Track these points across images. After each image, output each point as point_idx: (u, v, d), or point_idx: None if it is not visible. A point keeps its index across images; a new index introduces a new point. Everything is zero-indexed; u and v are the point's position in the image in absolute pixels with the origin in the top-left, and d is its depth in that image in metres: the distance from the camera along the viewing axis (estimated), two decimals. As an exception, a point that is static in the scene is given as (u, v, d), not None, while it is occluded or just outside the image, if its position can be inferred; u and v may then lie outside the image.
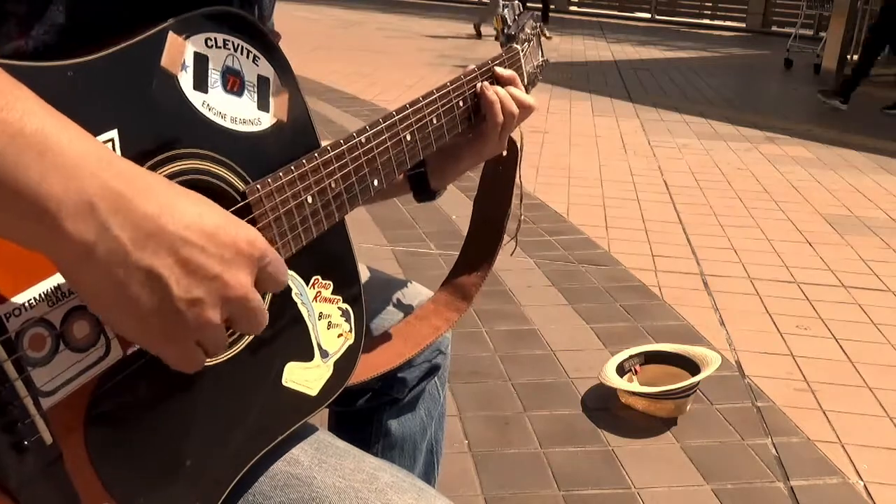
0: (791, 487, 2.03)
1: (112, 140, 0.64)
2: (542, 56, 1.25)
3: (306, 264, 0.81)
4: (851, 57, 9.90)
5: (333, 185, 0.80)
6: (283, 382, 0.80)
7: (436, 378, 1.27)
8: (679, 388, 2.29)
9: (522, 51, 1.14)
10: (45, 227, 0.53)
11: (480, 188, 1.15)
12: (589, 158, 5.27)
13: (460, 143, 1.06)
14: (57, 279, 0.61)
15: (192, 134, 0.70)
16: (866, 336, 2.91)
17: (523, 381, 2.47)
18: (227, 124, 0.73)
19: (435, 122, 0.95)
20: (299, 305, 0.81)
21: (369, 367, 0.97)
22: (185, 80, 0.69)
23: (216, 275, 0.59)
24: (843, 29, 9.51)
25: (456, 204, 3.83)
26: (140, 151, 0.65)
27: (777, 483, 2.04)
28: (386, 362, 1.01)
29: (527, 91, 1.21)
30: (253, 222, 0.72)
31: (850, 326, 2.97)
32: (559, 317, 2.93)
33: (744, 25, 16.98)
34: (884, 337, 2.91)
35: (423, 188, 1.11)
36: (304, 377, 0.82)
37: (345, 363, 0.86)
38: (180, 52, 0.69)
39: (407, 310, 1.16)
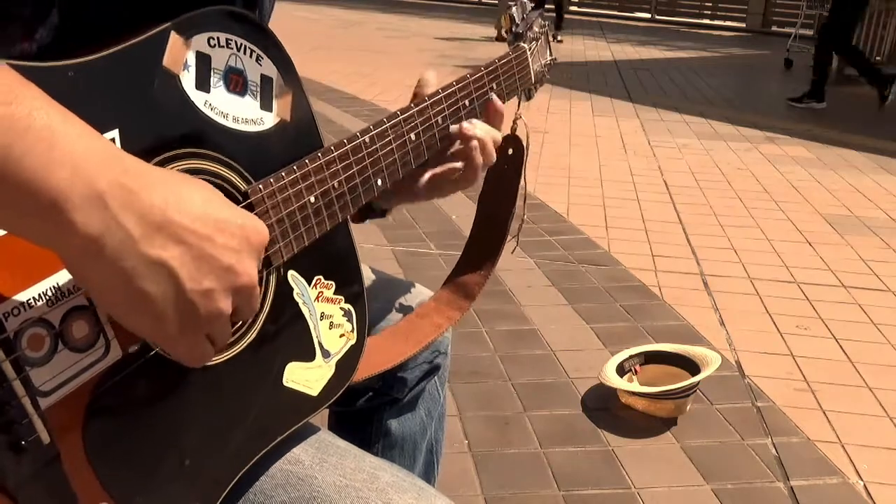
0: (791, 487, 2.03)
1: (113, 139, 0.64)
2: (550, 55, 1.25)
3: (309, 264, 0.81)
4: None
5: (337, 186, 0.80)
6: (284, 382, 0.80)
7: (436, 378, 1.27)
8: (679, 388, 2.29)
9: (530, 49, 1.14)
10: (53, 221, 0.53)
11: (485, 187, 1.15)
12: (589, 158, 5.27)
13: (423, 171, 0.99)
14: (56, 279, 0.61)
15: (193, 134, 0.70)
16: (866, 336, 2.91)
17: (523, 381, 2.47)
18: (230, 124, 0.73)
19: (440, 122, 0.94)
20: (301, 305, 0.81)
21: (371, 365, 0.97)
22: (188, 80, 0.69)
23: (228, 265, 0.59)
24: (843, 29, 9.49)
25: (456, 204, 3.83)
26: (141, 151, 0.65)
27: (777, 483, 2.05)
28: (388, 360, 1.01)
29: (534, 90, 1.21)
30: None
31: (850, 326, 2.97)
32: (559, 317, 2.93)
33: (744, 25, 16.98)
34: (884, 337, 2.91)
35: (366, 207, 1.05)
36: (305, 377, 0.82)
37: (346, 363, 0.86)
38: (182, 52, 0.69)
39: (408, 310, 1.16)
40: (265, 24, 0.81)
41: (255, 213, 0.72)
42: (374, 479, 0.82)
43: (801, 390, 2.51)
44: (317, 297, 0.83)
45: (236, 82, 0.73)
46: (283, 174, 0.75)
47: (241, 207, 0.71)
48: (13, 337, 0.58)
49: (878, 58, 10.21)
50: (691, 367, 2.39)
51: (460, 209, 3.81)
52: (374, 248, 3.48)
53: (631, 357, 2.46)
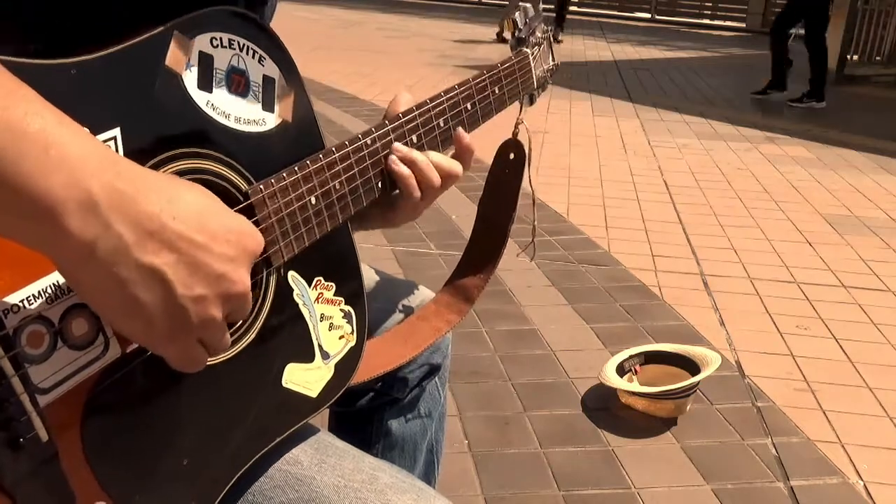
0: (791, 487, 2.03)
1: (114, 138, 0.64)
2: (553, 60, 1.25)
3: (309, 265, 0.81)
4: (851, 57, 9.91)
5: (338, 187, 0.80)
6: (283, 383, 0.80)
7: (436, 378, 1.27)
8: (679, 388, 2.29)
9: (532, 54, 1.14)
10: (46, 226, 0.53)
11: (486, 191, 1.15)
12: (589, 158, 5.27)
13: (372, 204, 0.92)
14: (56, 276, 0.61)
15: (195, 133, 0.70)
16: (866, 336, 2.91)
17: (523, 381, 2.47)
18: (232, 124, 0.73)
19: (442, 124, 0.94)
20: (301, 307, 0.81)
21: (370, 368, 0.97)
22: (190, 80, 0.69)
23: (221, 273, 0.59)
24: (843, 29, 9.51)
25: (456, 204, 3.83)
26: (141, 150, 0.65)
27: (777, 483, 2.05)
28: (387, 363, 1.01)
29: (537, 95, 1.20)
30: (255, 222, 0.72)
31: (850, 326, 2.97)
32: (559, 317, 2.93)
33: (744, 25, 16.98)
34: (884, 337, 2.91)
35: None
36: (305, 378, 0.82)
37: (346, 365, 0.86)
38: (185, 52, 0.69)
39: (408, 311, 1.16)
40: (267, 24, 0.81)
41: (256, 214, 0.72)
42: (374, 480, 0.82)
43: (801, 390, 2.51)
44: (317, 299, 0.83)
45: (238, 83, 0.73)
46: (284, 175, 0.75)
47: (242, 207, 0.72)
48: (12, 334, 0.59)
49: (878, 58, 10.22)
50: (691, 367, 2.39)
51: (460, 209, 3.81)
52: (374, 248, 3.47)
53: (631, 357, 2.46)
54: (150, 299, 0.57)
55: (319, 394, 0.83)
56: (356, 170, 0.83)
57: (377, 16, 14.85)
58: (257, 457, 0.78)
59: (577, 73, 9.00)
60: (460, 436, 2.17)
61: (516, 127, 1.14)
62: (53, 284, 0.61)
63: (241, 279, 0.61)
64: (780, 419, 2.33)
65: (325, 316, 0.84)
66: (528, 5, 1.18)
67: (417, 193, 0.89)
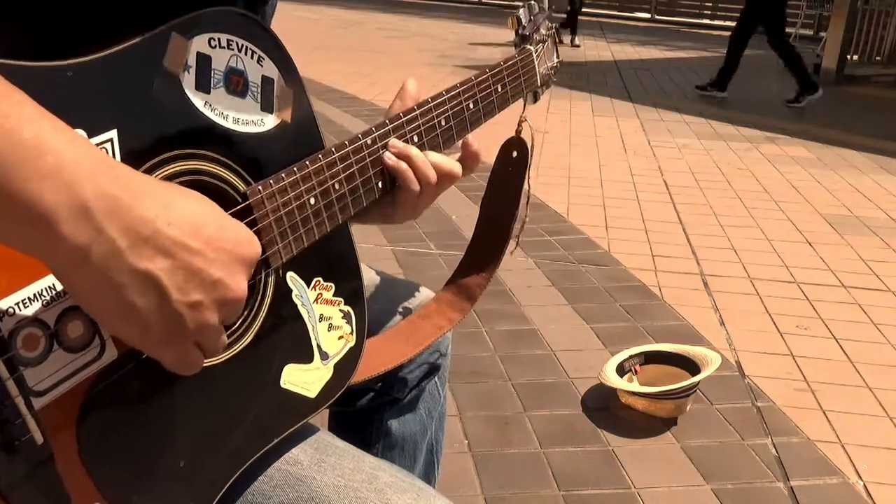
0: (791, 487, 2.03)
1: (111, 140, 0.63)
2: (557, 58, 1.25)
3: (308, 266, 0.81)
4: (851, 57, 9.91)
5: (337, 187, 0.80)
6: (282, 384, 0.80)
7: (436, 378, 1.27)
8: (679, 388, 2.29)
9: (536, 52, 1.14)
10: (40, 232, 0.53)
11: (488, 189, 1.15)
12: (589, 158, 5.27)
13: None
14: (52, 279, 0.61)
15: (193, 135, 0.70)
16: (866, 336, 2.91)
17: (523, 381, 2.47)
18: (230, 125, 0.73)
19: (444, 123, 0.94)
20: (299, 307, 0.81)
21: (371, 367, 0.97)
22: (188, 81, 0.69)
23: (217, 279, 0.59)
24: (843, 29, 9.52)
25: (456, 204, 3.83)
26: (139, 151, 0.65)
27: (777, 483, 2.05)
28: (388, 361, 1.01)
29: (540, 93, 1.20)
30: (254, 223, 0.72)
31: (850, 326, 2.97)
32: (559, 317, 2.93)
33: (744, 25, 16.95)
34: (884, 337, 2.91)
35: None
36: (303, 379, 0.82)
37: (345, 365, 0.86)
38: (183, 52, 0.68)
39: (409, 311, 1.16)
40: (267, 24, 0.81)
41: (255, 215, 0.72)
42: (373, 480, 0.81)
43: (801, 390, 2.51)
44: (316, 299, 0.83)
45: (237, 83, 0.73)
46: (283, 175, 0.75)
47: (240, 208, 0.71)
48: (8, 337, 0.58)
49: (878, 58, 10.22)
50: (691, 367, 2.39)
51: (461, 209, 3.81)
52: (374, 248, 3.47)
53: (631, 357, 2.46)
54: (145, 305, 0.57)
55: (318, 394, 0.83)
56: (356, 170, 0.82)
57: (377, 16, 14.85)
58: (256, 457, 0.78)
59: (577, 73, 9.00)
60: (460, 436, 2.17)
61: (520, 125, 1.13)
62: (49, 287, 0.61)
63: (238, 285, 0.61)
64: (780, 419, 2.33)
65: (325, 316, 0.84)
66: (534, 2, 1.18)
67: (416, 186, 0.88)
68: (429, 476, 1.32)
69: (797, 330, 2.93)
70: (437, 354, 1.23)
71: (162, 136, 0.67)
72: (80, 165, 0.54)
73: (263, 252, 0.72)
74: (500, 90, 1.03)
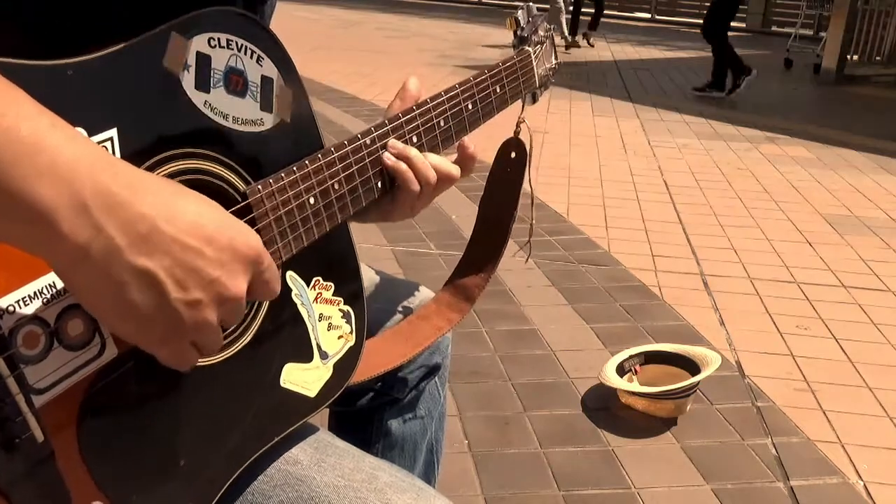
0: (791, 487, 2.03)
1: (111, 139, 0.63)
2: (556, 59, 1.25)
3: (307, 265, 0.81)
4: (851, 57, 9.91)
5: (337, 187, 0.80)
6: (282, 383, 0.80)
7: (436, 378, 1.27)
8: (679, 388, 2.29)
9: (534, 53, 1.14)
10: (40, 230, 0.53)
11: (487, 190, 1.15)
12: (589, 158, 5.27)
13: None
14: (52, 277, 0.61)
15: (192, 134, 0.70)
16: (866, 336, 2.91)
17: (523, 381, 2.47)
18: (229, 124, 0.73)
19: (442, 124, 0.94)
20: (299, 306, 0.81)
21: (371, 367, 0.97)
22: (187, 80, 0.69)
23: (215, 278, 0.59)
24: (843, 29, 9.52)
25: (456, 204, 3.83)
26: (139, 150, 0.65)
27: (777, 483, 2.04)
28: (387, 362, 1.01)
29: (539, 94, 1.20)
30: (253, 222, 0.72)
31: (850, 326, 2.97)
32: (559, 317, 2.93)
33: (744, 25, 16.97)
34: (884, 337, 2.91)
35: None
36: (303, 378, 0.82)
37: (345, 365, 0.86)
38: (183, 52, 0.69)
39: (409, 311, 1.16)
40: (266, 24, 0.81)
41: (254, 214, 0.72)
42: (373, 480, 0.81)
43: (801, 390, 2.51)
44: (315, 298, 0.83)
45: (236, 83, 0.73)
46: (282, 175, 0.75)
47: (240, 207, 0.71)
48: (8, 335, 0.59)
49: (878, 58, 10.22)
50: (691, 367, 2.39)
51: (460, 209, 3.81)
52: (374, 248, 3.48)
53: (631, 357, 2.46)
54: (144, 302, 0.57)
55: (318, 394, 0.83)
56: (355, 170, 0.82)
57: (377, 16, 14.86)
58: (255, 456, 0.78)
59: (577, 73, 9.01)
60: (460, 436, 2.17)
61: (518, 126, 1.14)
62: (49, 285, 0.61)
63: (236, 284, 0.61)
64: (780, 419, 2.33)
65: (324, 316, 0.84)
66: (531, 3, 1.18)
67: (416, 186, 0.88)
68: (429, 476, 1.32)
69: (797, 330, 2.93)
70: (436, 354, 1.23)
71: (162, 136, 0.67)
72: (78, 162, 0.54)
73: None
74: (498, 91, 1.03)
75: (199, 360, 0.69)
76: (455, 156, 0.96)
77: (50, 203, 0.52)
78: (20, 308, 0.59)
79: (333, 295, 0.85)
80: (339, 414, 1.28)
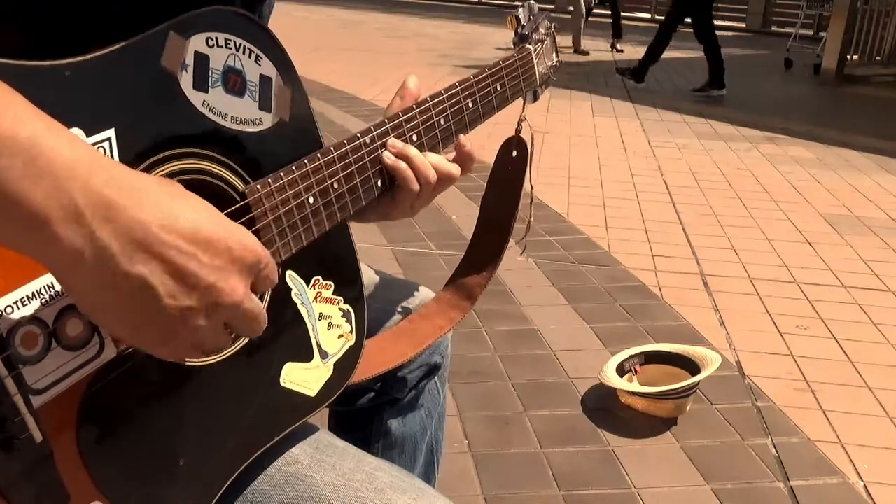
0: (791, 487, 2.03)
1: (109, 139, 0.63)
2: (557, 57, 1.24)
3: (307, 264, 0.81)
4: (851, 57, 9.91)
5: (336, 186, 0.80)
6: (282, 383, 0.80)
7: (436, 378, 1.27)
8: (679, 388, 2.29)
9: (535, 51, 1.13)
10: (35, 234, 0.53)
11: (488, 189, 1.15)
12: (589, 158, 5.27)
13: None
14: (50, 278, 0.61)
15: (191, 134, 0.70)
16: (866, 336, 2.91)
17: (523, 381, 2.47)
18: (228, 124, 0.73)
19: (443, 122, 0.93)
20: (299, 306, 0.81)
21: (372, 366, 0.97)
22: (185, 80, 0.69)
23: (209, 283, 0.58)
24: (843, 29, 9.52)
25: (456, 204, 3.83)
26: (137, 150, 0.65)
27: (777, 483, 2.04)
28: (388, 361, 1.01)
29: (540, 92, 1.20)
30: (252, 222, 0.72)
31: (850, 326, 2.97)
32: (559, 317, 2.93)
33: (744, 25, 16.98)
34: (884, 337, 2.91)
35: None
36: (304, 378, 0.82)
37: (345, 364, 0.86)
38: (181, 52, 0.68)
39: (408, 311, 1.16)
40: (265, 24, 0.81)
41: (253, 213, 0.72)
42: (373, 480, 0.81)
43: (801, 390, 2.51)
44: (315, 298, 0.83)
45: (235, 82, 0.73)
46: (281, 174, 0.75)
47: (239, 206, 0.71)
48: (6, 335, 0.58)
49: (878, 58, 10.22)
50: (691, 367, 2.39)
51: (460, 209, 3.81)
52: (373, 248, 3.47)
53: (631, 357, 2.46)
54: (138, 307, 0.57)
55: (318, 393, 0.83)
56: (354, 169, 0.82)
57: (377, 16, 14.86)
58: (255, 456, 0.78)
59: (577, 73, 9.00)
60: (460, 436, 2.17)
61: (519, 124, 1.13)
62: (47, 286, 0.61)
63: (232, 289, 0.60)
64: (780, 419, 2.33)
65: (324, 315, 0.84)
66: (532, 1, 1.18)
67: (416, 185, 0.88)
68: (429, 476, 1.32)
69: (797, 330, 2.93)
70: (436, 354, 1.23)
71: (160, 136, 0.67)
72: (74, 167, 0.54)
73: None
74: (499, 89, 1.03)
75: (199, 359, 0.70)
76: (454, 154, 0.96)
77: (45, 208, 0.52)
78: (18, 308, 0.59)
79: (333, 294, 0.85)
80: (339, 414, 1.28)
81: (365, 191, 0.84)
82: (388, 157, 0.87)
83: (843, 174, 5.19)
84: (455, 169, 0.93)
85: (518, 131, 1.13)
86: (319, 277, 0.83)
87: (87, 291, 0.56)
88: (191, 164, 0.70)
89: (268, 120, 0.76)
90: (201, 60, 0.70)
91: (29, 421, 0.59)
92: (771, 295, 3.22)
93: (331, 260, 0.84)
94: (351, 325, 0.87)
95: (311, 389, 0.82)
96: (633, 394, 2.34)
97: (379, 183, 0.86)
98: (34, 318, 0.60)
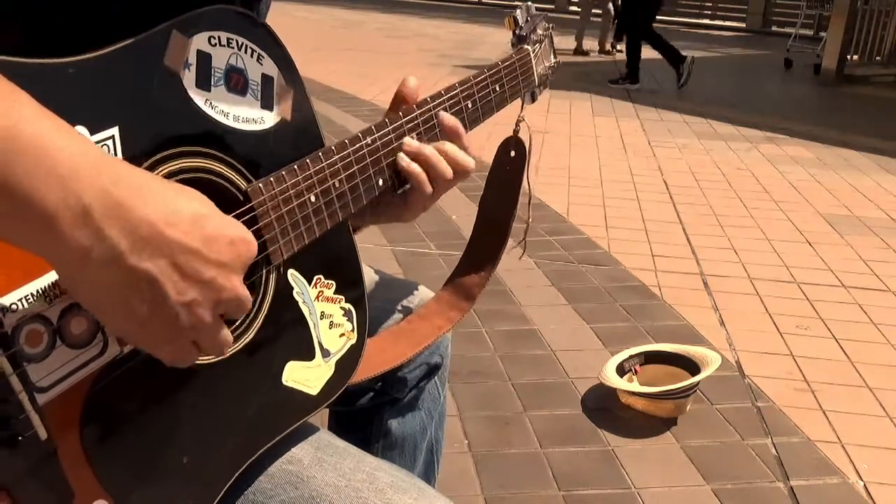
0: (791, 487, 2.03)
1: (112, 137, 0.64)
2: (555, 58, 1.25)
3: (308, 263, 0.81)
4: (851, 57, 9.91)
5: (338, 185, 0.80)
6: (283, 381, 0.80)
7: (436, 378, 1.27)
8: (679, 388, 2.29)
9: (533, 52, 1.14)
10: (41, 232, 0.54)
11: (487, 189, 1.15)
12: (589, 158, 5.27)
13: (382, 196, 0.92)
14: (54, 276, 0.61)
15: (193, 132, 0.70)
16: (866, 336, 2.91)
17: (523, 381, 2.47)
18: (230, 123, 0.73)
19: None
20: (300, 305, 0.81)
21: (372, 366, 0.97)
22: (188, 79, 0.69)
23: (211, 278, 0.60)
24: (843, 29, 9.51)
25: (456, 204, 3.83)
26: (140, 149, 0.65)
27: (777, 483, 2.04)
28: (388, 361, 1.01)
29: (538, 93, 1.20)
30: (253, 220, 0.72)
31: (850, 326, 2.97)
32: (559, 317, 2.93)
33: (744, 25, 16.98)
34: (884, 337, 2.91)
35: None
36: (305, 376, 0.82)
37: (346, 363, 0.86)
38: (183, 51, 0.69)
39: (408, 311, 1.16)
40: (265, 22, 0.81)
41: (255, 212, 0.72)
42: (374, 479, 0.81)
43: (801, 390, 2.51)
44: (317, 297, 0.83)
45: (237, 81, 0.73)
46: (283, 173, 0.75)
47: (241, 206, 0.71)
48: (11, 333, 0.59)
49: (878, 58, 10.22)
50: (691, 367, 2.39)
51: (460, 209, 3.81)
52: (373, 248, 3.47)
53: (631, 357, 2.46)
54: (143, 304, 0.57)
55: (320, 392, 0.83)
56: (356, 168, 0.82)
57: (377, 16, 14.86)
58: (257, 455, 0.78)
59: (577, 73, 9.00)
60: (460, 436, 2.17)
61: (517, 124, 1.14)
62: (52, 284, 0.61)
63: (232, 284, 0.61)
64: (780, 419, 2.33)
65: (326, 314, 0.84)
66: (529, 2, 1.18)
67: (429, 189, 0.89)
68: (429, 476, 1.32)
69: (797, 330, 2.93)
70: (436, 354, 1.23)
71: (163, 134, 0.68)
72: (80, 165, 0.54)
73: (264, 249, 0.73)
74: (498, 90, 1.03)
75: (203, 358, 0.70)
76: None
77: (51, 206, 0.53)
78: (23, 306, 0.59)
79: (335, 293, 0.85)
80: (339, 414, 1.28)
81: (366, 189, 0.84)
82: (402, 159, 0.87)
83: (843, 174, 5.19)
84: (471, 163, 0.93)
85: (516, 132, 1.13)
86: (321, 276, 0.83)
87: (93, 290, 0.57)
88: (193, 163, 0.70)
89: (270, 119, 0.76)
90: (204, 59, 0.70)
91: (34, 418, 0.60)
92: (771, 295, 3.22)
93: (332, 259, 0.84)
94: (352, 323, 0.87)
95: (313, 388, 0.83)
96: (633, 394, 2.34)
97: (380, 182, 0.86)
98: (39, 316, 0.60)
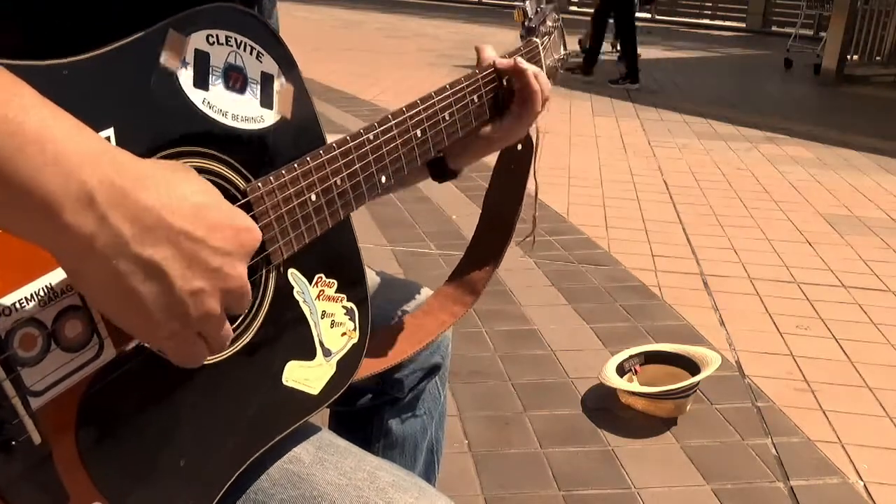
0: (791, 487, 2.03)
1: (108, 138, 0.63)
2: (564, 49, 1.24)
3: (309, 262, 0.80)
4: (851, 57, 9.91)
5: (339, 183, 0.79)
6: (284, 381, 0.79)
7: (436, 378, 1.27)
8: (679, 388, 2.29)
9: (542, 44, 1.13)
10: (45, 221, 0.53)
11: (492, 182, 1.14)
12: (589, 158, 5.27)
13: (483, 128, 1.03)
14: (49, 279, 0.60)
15: (191, 132, 0.70)
16: (866, 336, 2.91)
17: (523, 381, 2.47)
18: (229, 122, 0.72)
19: (448, 118, 0.93)
20: (301, 304, 0.81)
21: (375, 363, 0.97)
22: (185, 78, 0.69)
23: (217, 267, 0.59)
24: (843, 29, 9.51)
25: (456, 204, 3.82)
26: (137, 149, 0.64)
27: (777, 483, 2.04)
28: (391, 358, 1.01)
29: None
30: (253, 220, 0.71)
31: (850, 326, 2.97)
32: (559, 317, 2.93)
33: (744, 25, 16.97)
34: (884, 337, 2.91)
35: (442, 170, 1.06)
36: (306, 376, 0.82)
37: (348, 362, 0.86)
38: (181, 49, 0.68)
39: (409, 310, 1.16)
40: (265, 19, 0.80)
41: (254, 212, 0.72)
42: (375, 479, 0.81)
43: (801, 390, 2.51)
44: (318, 296, 0.82)
45: (235, 80, 0.73)
46: (283, 172, 0.74)
47: (240, 205, 0.71)
48: (5, 336, 0.58)
49: (878, 58, 10.22)
50: (691, 367, 2.39)
51: (460, 209, 3.81)
52: (374, 247, 3.47)
53: (631, 357, 2.46)
54: (149, 293, 0.57)
55: (321, 391, 0.83)
56: (358, 165, 0.81)
57: (377, 16, 14.85)
58: (257, 455, 0.78)
59: (578, 73, 8.99)
60: (460, 436, 2.17)
61: None
62: (46, 287, 0.60)
63: (238, 273, 0.61)
64: (780, 419, 2.33)
65: (327, 313, 0.83)
66: None
67: (539, 108, 1.00)
68: (429, 476, 1.32)
69: (797, 330, 2.93)
70: (437, 354, 1.23)
71: (160, 134, 0.67)
72: (83, 153, 0.54)
73: (264, 249, 0.72)
74: (504, 84, 1.02)
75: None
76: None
77: (54, 195, 0.52)
78: (17, 309, 0.59)
79: (336, 292, 0.84)
80: (340, 413, 1.28)
81: (368, 187, 0.83)
82: (528, 75, 0.98)
83: (843, 174, 5.19)
84: (547, 84, 1.03)
85: None
86: (322, 275, 0.82)
87: (96, 280, 0.56)
88: (191, 163, 0.69)
89: (269, 117, 0.76)
90: (201, 58, 0.70)
91: (28, 423, 0.59)
92: (771, 295, 3.22)
93: (334, 258, 0.84)
94: (354, 322, 0.86)
95: (314, 388, 0.82)
96: (633, 394, 2.34)
97: (383, 179, 0.85)
98: (33, 320, 0.60)
